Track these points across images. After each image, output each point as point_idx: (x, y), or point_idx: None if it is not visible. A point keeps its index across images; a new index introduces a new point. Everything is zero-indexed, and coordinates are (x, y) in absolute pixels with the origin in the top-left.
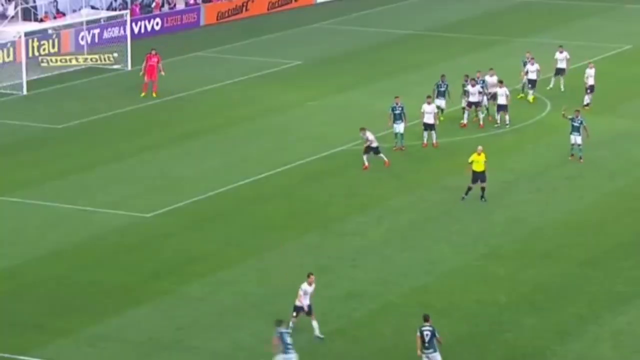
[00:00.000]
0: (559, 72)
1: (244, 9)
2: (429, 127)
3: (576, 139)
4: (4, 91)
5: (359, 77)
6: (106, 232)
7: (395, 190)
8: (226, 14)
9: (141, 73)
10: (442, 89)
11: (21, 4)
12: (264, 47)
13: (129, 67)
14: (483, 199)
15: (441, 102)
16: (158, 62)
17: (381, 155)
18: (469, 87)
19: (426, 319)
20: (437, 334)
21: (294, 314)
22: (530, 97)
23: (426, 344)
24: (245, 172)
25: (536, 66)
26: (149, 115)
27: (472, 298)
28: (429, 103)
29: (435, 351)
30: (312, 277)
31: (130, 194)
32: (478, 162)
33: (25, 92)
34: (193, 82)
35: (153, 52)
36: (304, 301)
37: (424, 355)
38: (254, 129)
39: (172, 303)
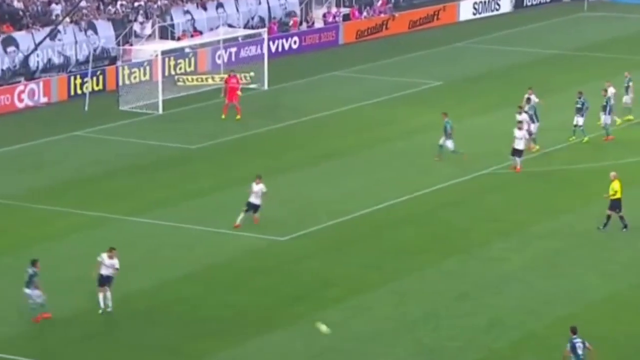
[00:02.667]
0: None
1: (384, 27)
2: (516, 152)
3: None
4: (140, 110)
5: (501, 98)
6: (241, 254)
7: (538, 215)
8: (366, 33)
9: (222, 95)
10: (579, 106)
11: (158, 22)
12: (404, 66)
13: (266, 87)
14: (606, 228)
15: (579, 120)
16: (238, 83)
17: (254, 215)
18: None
19: (574, 331)
20: (587, 344)
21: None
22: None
23: (581, 356)
24: (384, 195)
25: (612, 90)
26: (285, 135)
27: (622, 330)
28: (519, 129)
29: None
30: (114, 251)
31: (265, 216)
32: (612, 189)
33: (161, 111)
34: (331, 102)
35: (232, 73)
36: (104, 271)
37: None
38: (393, 151)
39: (309, 328)
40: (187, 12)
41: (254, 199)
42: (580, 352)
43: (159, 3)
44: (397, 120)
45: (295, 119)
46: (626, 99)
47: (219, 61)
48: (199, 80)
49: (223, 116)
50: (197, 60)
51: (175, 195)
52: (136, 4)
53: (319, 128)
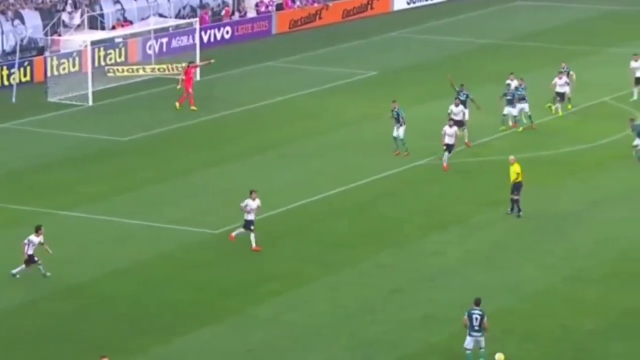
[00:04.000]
0: (639, 81)
1: (318, 17)
2: (448, 147)
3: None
4: (70, 102)
5: (436, 88)
6: (174, 249)
7: (475, 207)
8: (299, 22)
9: (178, 86)
10: (463, 98)
11: (87, 12)
12: (338, 56)
13: (198, 77)
14: (513, 212)
15: (512, 110)
16: (195, 68)
17: (251, 235)
18: (452, 107)
19: (477, 303)
20: (485, 319)
21: (23, 265)
22: (560, 112)
23: (475, 327)
24: (319, 187)
25: (564, 79)
26: (219, 127)
27: (557, 322)
28: (450, 126)
29: (482, 335)
30: (42, 229)
31: (198, 209)
32: (511, 173)
33: (91, 103)
34: (265, 93)
35: (192, 64)
36: (30, 252)
37: (471, 338)
38: (327, 142)
39: (242, 323)
40: (117, 1)
41: (247, 216)
42: (475, 322)
43: None
44: (331, 111)
45: (228, 110)
46: (566, 89)
47: (149, 51)
48: (130, 71)
49: (194, 107)
50: (127, 50)
51: (108, 188)
52: None
53: (253, 119)
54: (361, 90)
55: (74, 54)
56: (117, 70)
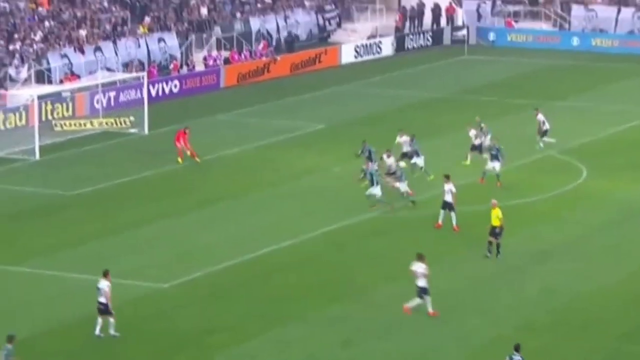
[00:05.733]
0: (546, 133)
1: (266, 70)
2: (447, 205)
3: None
4: (16, 156)
5: (384, 141)
6: (121, 303)
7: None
8: (247, 76)
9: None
10: (494, 152)
11: (34, 66)
12: (286, 109)
13: (146, 131)
14: (491, 255)
15: (495, 165)
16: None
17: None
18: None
19: (517, 348)
20: None
21: (99, 319)
22: (468, 162)
23: None
24: (267, 239)
25: (473, 132)
26: (167, 180)
27: None
28: (446, 182)
29: None
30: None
31: (146, 263)
32: (493, 216)
33: (37, 157)
34: (213, 146)
35: (186, 129)
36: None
37: None
38: (276, 195)
39: None
40: (65, 55)
41: (419, 284)
42: None
43: (35, 47)
44: (280, 164)
45: (177, 164)
46: (485, 140)
47: (97, 106)
48: (77, 125)
49: (197, 159)
50: (75, 104)
51: (53, 243)
52: (11, 47)
53: (202, 172)
54: (309, 143)
55: (21, 108)
56: (65, 124)
